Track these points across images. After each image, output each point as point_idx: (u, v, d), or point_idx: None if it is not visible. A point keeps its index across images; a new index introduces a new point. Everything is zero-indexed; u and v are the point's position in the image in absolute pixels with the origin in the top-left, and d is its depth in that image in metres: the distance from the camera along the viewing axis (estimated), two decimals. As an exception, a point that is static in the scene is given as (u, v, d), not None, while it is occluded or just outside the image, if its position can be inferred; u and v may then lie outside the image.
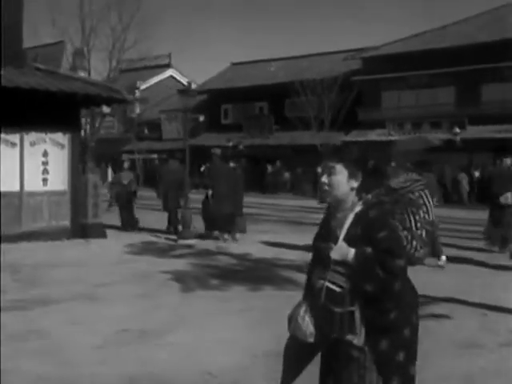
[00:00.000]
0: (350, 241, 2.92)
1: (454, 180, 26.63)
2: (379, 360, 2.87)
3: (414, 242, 3.15)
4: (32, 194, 12.59)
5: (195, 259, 10.84)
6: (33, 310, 7.10)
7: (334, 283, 2.93)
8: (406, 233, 3.12)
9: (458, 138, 26.90)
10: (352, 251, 2.88)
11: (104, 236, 13.46)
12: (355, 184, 3.02)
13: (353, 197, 3.02)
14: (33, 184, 12.60)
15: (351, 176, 3.01)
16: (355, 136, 30.90)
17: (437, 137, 26.05)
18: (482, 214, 20.16)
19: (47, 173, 12.85)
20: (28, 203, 12.50)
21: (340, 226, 2.99)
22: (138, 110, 42.66)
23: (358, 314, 2.86)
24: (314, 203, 24.94)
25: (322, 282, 2.98)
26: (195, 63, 76.93)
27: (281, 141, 34.11)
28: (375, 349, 2.86)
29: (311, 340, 3.01)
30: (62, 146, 13.08)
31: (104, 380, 4.99)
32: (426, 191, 3.27)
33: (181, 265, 10.21)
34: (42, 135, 12.74)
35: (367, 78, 30.88)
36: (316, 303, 3.00)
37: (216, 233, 13.40)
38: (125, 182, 15.41)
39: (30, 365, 5.27)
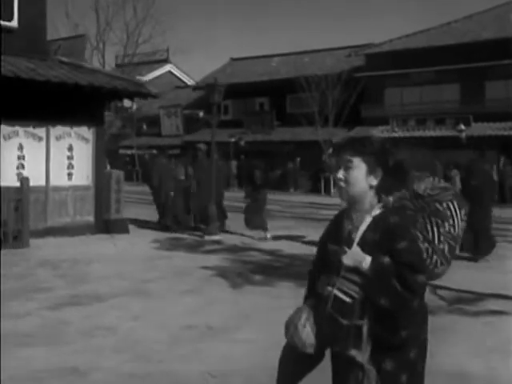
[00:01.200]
0: (365, 246, 2.66)
1: (447, 177, 27.01)
2: (383, 380, 2.64)
3: (435, 257, 2.86)
4: (57, 189, 12.47)
5: (228, 255, 10.79)
6: (90, 305, 7.03)
7: (343, 292, 2.68)
8: (426, 245, 2.85)
9: (463, 135, 26.99)
10: (367, 259, 2.62)
11: (127, 231, 13.37)
12: (374, 181, 2.73)
13: (371, 197, 2.75)
14: (58, 179, 12.48)
15: (370, 172, 2.71)
16: (358, 132, 30.93)
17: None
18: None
19: (72, 167, 12.74)
20: (54, 198, 12.37)
21: (355, 229, 2.73)
22: (136, 105, 42.42)
23: (365, 329, 2.61)
24: (318, 199, 25.04)
25: (330, 288, 2.72)
26: (192, 59, 76.06)
27: (282, 137, 34.08)
28: (379, 368, 2.63)
29: (310, 351, 2.78)
30: (87, 141, 12.97)
31: (189, 377, 4.93)
32: (455, 202, 2.98)
33: (217, 260, 10.16)
34: (68, 129, 12.62)
35: (370, 74, 30.88)
36: (320, 311, 2.74)
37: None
38: (182, 177, 14.71)
39: (109, 362, 5.21)
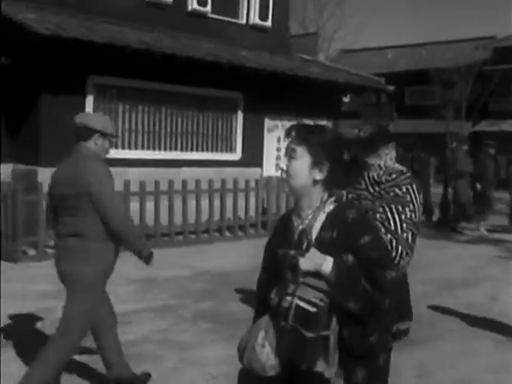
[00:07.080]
0: (322, 247, 2.29)
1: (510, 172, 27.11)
2: None
3: (400, 248, 2.58)
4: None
5: None
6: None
7: (306, 301, 2.28)
8: (390, 236, 2.58)
9: None
10: (329, 260, 2.25)
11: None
12: (319, 175, 2.33)
13: (319, 192, 2.37)
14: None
15: (315, 164, 2.33)
16: (485, 126, 31.08)
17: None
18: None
19: (312, 160, 13.49)
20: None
21: (308, 229, 2.36)
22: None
23: (333, 339, 2.26)
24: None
25: (289, 298, 2.31)
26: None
27: (403, 129, 34.37)
28: (350, 381, 2.32)
29: (272, 373, 2.36)
30: (325, 134, 13.68)
31: None
32: (414, 186, 2.73)
33: None
34: (311, 123, 13.33)
35: (502, 67, 30.92)
36: (279, 326, 2.33)
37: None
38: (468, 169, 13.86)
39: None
